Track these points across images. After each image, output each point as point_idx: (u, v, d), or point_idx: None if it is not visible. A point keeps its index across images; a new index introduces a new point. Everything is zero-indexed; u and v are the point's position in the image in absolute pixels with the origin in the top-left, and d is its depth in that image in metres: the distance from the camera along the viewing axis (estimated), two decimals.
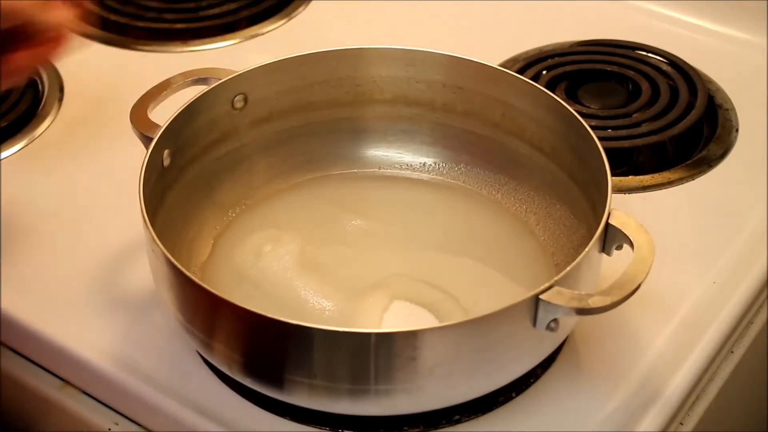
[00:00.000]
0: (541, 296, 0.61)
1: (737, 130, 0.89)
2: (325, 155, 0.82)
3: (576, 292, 0.61)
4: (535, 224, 0.78)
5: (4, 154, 0.87)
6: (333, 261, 0.76)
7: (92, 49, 1.00)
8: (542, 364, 0.70)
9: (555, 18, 1.03)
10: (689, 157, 0.87)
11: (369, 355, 0.61)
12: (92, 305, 0.75)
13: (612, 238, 0.66)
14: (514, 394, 0.69)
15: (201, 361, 0.71)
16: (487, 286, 0.75)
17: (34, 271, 0.77)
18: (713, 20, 1.01)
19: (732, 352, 0.76)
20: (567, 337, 0.71)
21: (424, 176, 0.82)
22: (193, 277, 0.62)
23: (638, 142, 0.87)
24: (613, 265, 0.66)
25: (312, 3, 1.06)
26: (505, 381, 0.66)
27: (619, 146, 0.86)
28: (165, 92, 0.75)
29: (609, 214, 0.66)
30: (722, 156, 0.87)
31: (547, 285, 0.61)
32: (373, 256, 0.77)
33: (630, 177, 0.85)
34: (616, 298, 0.61)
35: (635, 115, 0.90)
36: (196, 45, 1.01)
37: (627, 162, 0.87)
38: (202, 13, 1.04)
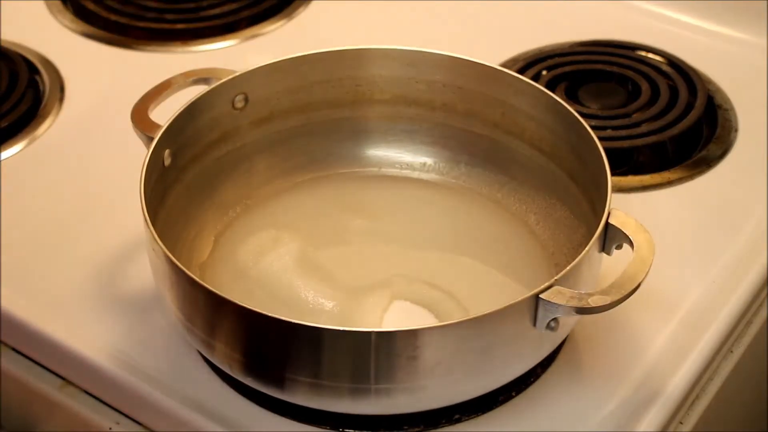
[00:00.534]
0: (541, 295, 0.61)
1: (737, 130, 0.89)
2: (325, 155, 0.82)
3: (576, 291, 0.61)
4: (535, 224, 0.78)
5: (5, 154, 0.87)
6: (333, 261, 0.76)
7: (93, 49, 1.00)
8: (542, 363, 0.70)
9: (555, 18, 1.03)
10: (689, 157, 0.87)
11: (369, 355, 0.61)
12: (93, 304, 0.75)
13: (612, 238, 0.66)
14: (514, 394, 0.69)
15: (202, 360, 0.71)
16: (487, 285, 0.75)
17: (34, 271, 0.78)
18: (713, 20, 1.01)
19: (732, 351, 0.76)
20: (567, 336, 0.71)
21: (424, 176, 0.82)
22: (193, 276, 0.62)
23: (638, 142, 0.87)
24: (614, 265, 0.66)
25: (312, 3, 1.06)
26: (505, 380, 0.66)
27: (619, 146, 0.86)
28: (166, 92, 0.75)
29: (609, 214, 0.66)
30: (722, 156, 0.87)
31: (547, 284, 0.61)
32: (374, 256, 0.77)
33: (630, 177, 0.85)
34: (615, 297, 0.62)
35: (635, 115, 0.91)
36: (196, 45, 1.01)
37: (627, 162, 0.87)
38: (202, 14, 1.04)
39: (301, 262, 0.74)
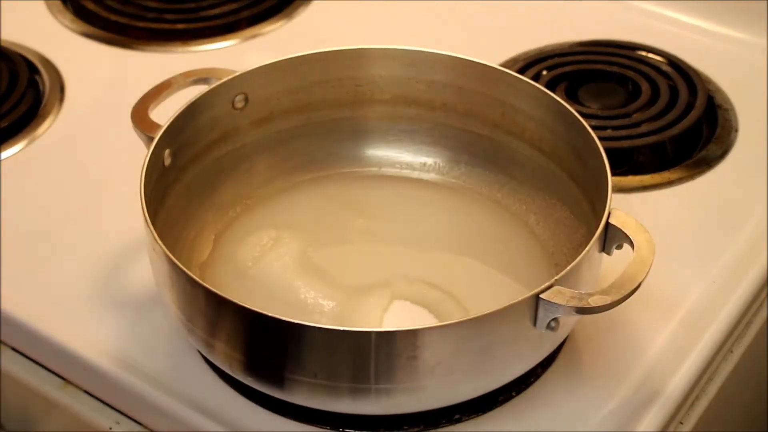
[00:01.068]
0: (541, 295, 0.61)
1: (737, 130, 0.89)
2: (325, 155, 0.82)
3: (576, 291, 0.61)
4: (535, 224, 0.78)
5: (5, 154, 0.87)
6: (333, 260, 0.76)
7: (93, 49, 1.00)
8: (542, 363, 0.70)
9: (555, 18, 1.03)
10: (689, 157, 0.87)
11: (369, 354, 0.61)
12: (93, 304, 0.75)
13: (612, 238, 0.66)
14: (514, 394, 0.69)
15: (202, 360, 0.71)
16: (487, 285, 0.75)
17: (34, 271, 0.78)
18: (713, 20, 1.01)
19: (732, 351, 0.76)
20: (567, 336, 0.71)
21: (424, 176, 0.82)
22: (194, 276, 0.62)
23: (638, 142, 0.87)
24: (614, 265, 0.66)
25: (312, 3, 1.06)
26: (505, 380, 0.66)
27: (619, 146, 0.86)
28: (166, 92, 0.75)
29: (609, 214, 0.66)
30: (722, 156, 0.87)
31: (547, 284, 0.61)
32: (373, 256, 0.77)
33: (630, 177, 0.85)
34: (615, 297, 0.62)
35: (635, 115, 0.91)
36: (196, 45, 1.01)
37: (627, 162, 0.87)
38: (202, 14, 1.04)
39: (301, 262, 0.74)
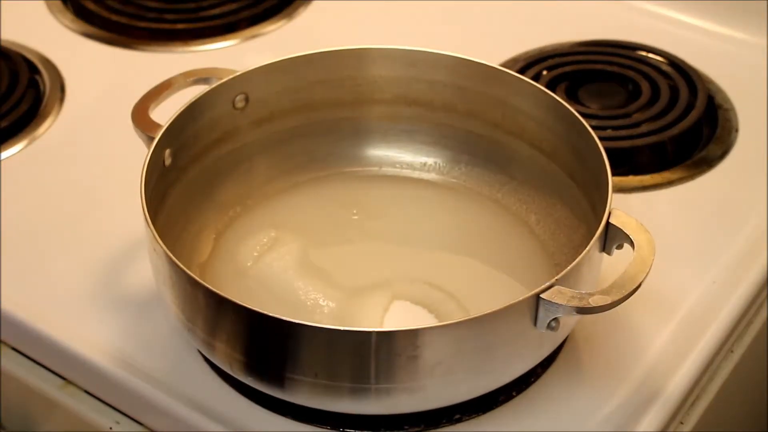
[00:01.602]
0: (541, 295, 0.61)
1: (737, 130, 0.89)
2: (325, 155, 0.82)
3: (576, 291, 0.61)
4: (535, 224, 0.78)
5: (5, 154, 0.87)
6: (334, 260, 0.76)
7: (93, 49, 1.00)
8: (542, 363, 0.70)
9: (555, 18, 1.03)
10: (689, 157, 0.87)
11: (370, 354, 0.61)
12: (93, 304, 0.75)
13: (612, 238, 0.66)
14: (514, 394, 0.69)
15: (202, 360, 0.71)
16: (487, 285, 0.75)
17: (35, 271, 0.78)
18: (713, 20, 1.01)
19: (732, 351, 0.76)
20: (567, 336, 0.71)
21: (425, 176, 0.82)
22: (194, 276, 0.62)
23: (638, 142, 0.87)
24: (614, 265, 0.66)
25: (313, 3, 1.06)
26: (505, 380, 0.66)
27: (619, 146, 0.86)
28: (166, 92, 0.75)
29: (609, 214, 0.66)
30: (722, 156, 0.87)
31: (547, 284, 0.61)
32: (374, 256, 0.77)
33: (630, 177, 0.85)
34: (616, 297, 0.62)
35: (635, 115, 0.91)
36: (196, 45, 1.01)
37: (627, 162, 0.87)
38: (202, 14, 1.04)
39: (301, 262, 0.74)
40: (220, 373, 0.70)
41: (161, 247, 0.64)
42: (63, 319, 0.74)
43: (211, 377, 0.70)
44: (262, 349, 0.64)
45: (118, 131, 0.80)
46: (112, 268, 0.77)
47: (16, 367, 0.76)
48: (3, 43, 0.98)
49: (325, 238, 0.78)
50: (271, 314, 0.60)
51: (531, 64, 0.95)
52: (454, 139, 0.81)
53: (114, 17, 1.04)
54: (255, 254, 0.75)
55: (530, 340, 0.64)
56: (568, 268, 0.63)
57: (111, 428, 0.72)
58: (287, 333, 0.61)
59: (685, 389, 0.70)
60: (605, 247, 0.67)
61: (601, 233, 0.65)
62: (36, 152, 0.88)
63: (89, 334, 0.73)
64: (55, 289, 0.76)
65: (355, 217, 0.80)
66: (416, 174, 0.83)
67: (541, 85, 0.79)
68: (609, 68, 0.95)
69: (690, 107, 0.90)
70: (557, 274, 0.62)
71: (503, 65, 0.93)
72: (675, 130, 0.88)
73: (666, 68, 0.95)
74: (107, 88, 0.95)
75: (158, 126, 0.72)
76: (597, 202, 0.69)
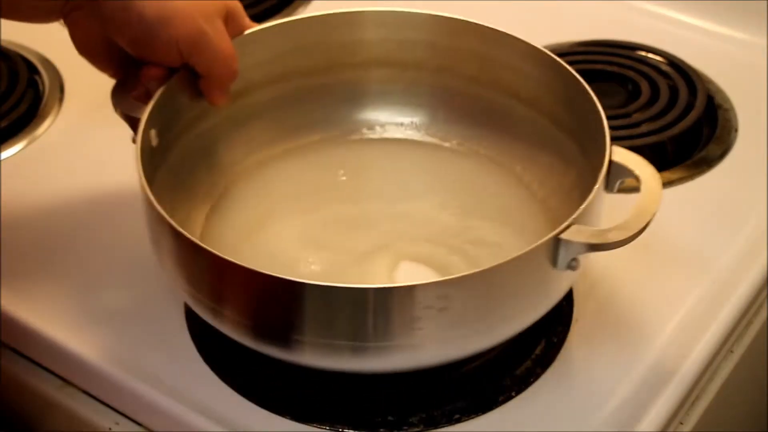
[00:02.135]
0: (561, 236, 0.61)
1: (737, 130, 0.89)
2: (309, 122, 0.81)
3: (594, 228, 0.62)
4: (522, 172, 0.78)
5: (5, 154, 0.87)
6: (330, 227, 0.76)
7: None
8: (542, 363, 0.70)
9: (555, 18, 1.03)
10: (689, 158, 0.87)
11: (404, 309, 0.61)
12: (92, 305, 0.75)
13: (615, 175, 0.67)
14: (514, 394, 0.69)
15: (202, 360, 0.71)
16: (485, 236, 0.75)
17: (34, 271, 0.77)
18: (713, 20, 1.01)
19: (732, 351, 0.76)
20: (567, 336, 0.71)
21: (406, 135, 0.82)
22: (199, 243, 0.62)
23: (638, 142, 0.87)
24: (609, 213, 0.67)
25: (312, 3, 1.06)
26: (528, 323, 0.66)
27: (619, 146, 0.86)
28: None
29: (611, 151, 0.66)
30: (722, 156, 0.87)
31: (566, 224, 0.62)
32: (369, 220, 0.77)
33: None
34: (633, 230, 0.62)
35: (635, 115, 0.91)
36: None
37: None
38: None
39: (298, 233, 0.74)
40: (220, 373, 0.70)
41: (164, 218, 0.63)
42: (63, 319, 0.74)
43: (211, 377, 0.70)
44: (271, 312, 0.63)
45: (117, 131, 0.80)
46: (112, 269, 0.77)
47: (16, 367, 0.76)
48: (3, 43, 0.98)
49: (317, 205, 0.78)
50: (282, 276, 0.60)
51: None
52: (429, 96, 0.81)
53: None
54: (249, 228, 0.74)
55: (551, 281, 0.64)
56: (583, 206, 0.63)
57: (110, 429, 0.72)
58: (301, 295, 0.61)
59: (684, 389, 0.70)
60: (608, 185, 0.67)
61: (605, 171, 0.65)
62: (35, 152, 0.88)
63: (88, 334, 0.73)
64: (55, 289, 0.76)
65: (343, 179, 0.79)
66: (397, 134, 0.82)
67: None
68: (609, 68, 0.95)
69: (690, 107, 0.90)
70: (551, 218, 0.62)
71: None
72: (675, 130, 0.88)
73: (666, 68, 0.95)
74: (106, 88, 0.95)
75: (138, 105, 0.71)
76: (587, 146, 0.69)
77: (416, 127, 0.82)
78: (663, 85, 0.93)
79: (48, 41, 1.00)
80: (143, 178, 0.66)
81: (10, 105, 0.91)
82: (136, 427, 0.72)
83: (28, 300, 0.75)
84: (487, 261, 0.61)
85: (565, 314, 0.73)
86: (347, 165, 0.81)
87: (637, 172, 0.66)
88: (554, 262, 0.62)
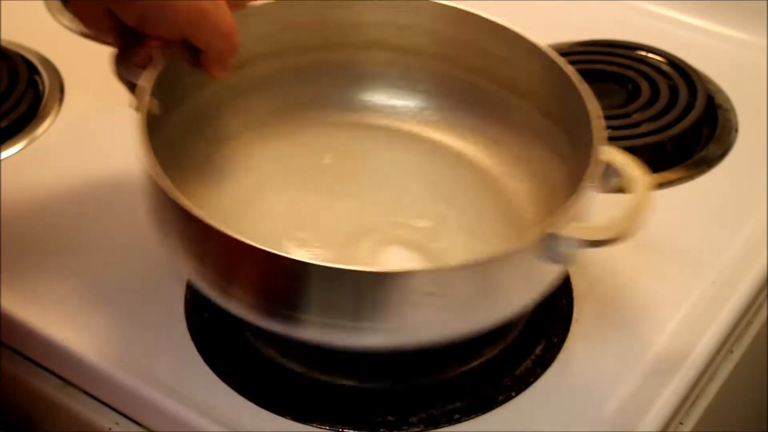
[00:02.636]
0: (550, 230, 0.61)
1: (737, 130, 0.89)
2: (298, 102, 0.81)
3: (585, 224, 0.62)
4: (513, 163, 0.78)
5: (5, 154, 0.87)
6: (315, 210, 0.76)
7: (93, 49, 1.00)
8: (542, 363, 0.70)
9: (555, 18, 1.03)
10: (689, 157, 0.87)
11: (381, 293, 0.61)
12: (93, 305, 0.75)
13: (605, 174, 0.66)
14: (514, 394, 0.69)
15: (202, 360, 0.71)
16: (471, 224, 0.75)
17: (34, 271, 0.77)
18: (713, 20, 1.01)
19: (732, 351, 0.76)
20: (567, 336, 0.71)
21: (397, 119, 0.82)
22: (207, 220, 0.61)
23: (638, 142, 0.87)
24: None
25: None
26: (514, 313, 0.66)
27: (619, 146, 0.86)
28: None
29: (599, 149, 0.66)
30: (722, 156, 0.87)
31: (554, 219, 0.62)
32: (355, 203, 0.77)
33: None
34: (625, 228, 0.62)
35: (635, 115, 0.91)
36: None
37: None
38: None
39: (283, 211, 0.75)
40: (220, 373, 0.70)
41: (171, 194, 0.63)
42: (62, 319, 0.74)
43: (211, 377, 0.70)
44: (277, 290, 0.63)
45: (117, 131, 0.80)
46: (112, 269, 0.77)
47: (15, 367, 0.76)
48: (3, 43, 0.98)
49: (305, 184, 0.78)
50: (288, 255, 0.60)
51: None
52: (425, 83, 0.81)
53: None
54: (237, 202, 0.74)
55: (535, 275, 0.64)
56: (571, 201, 0.63)
57: (110, 429, 0.72)
58: (303, 273, 0.61)
59: (684, 390, 0.70)
60: (601, 183, 0.67)
61: (596, 168, 0.65)
62: (35, 152, 0.88)
63: (88, 334, 0.73)
64: (55, 289, 0.76)
65: (327, 162, 0.79)
66: (391, 117, 0.82)
67: None
68: (609, 68, 0.95)
69: (690, 107, 0.90)
70: (540, 211, 0.62)
71: None
72: (675, 130, 0.88)
73: (666, 68, 0.95)
74: (107, 88, 0.95)
75: (140, 72, 0.71)
76: (579, 142, 0.69)
77: (410, 112, 0.82)
78: (663, 85, 0.93)
79: (48, 41, 1.00)
80: (149, 150, 0.65)
81: (10, 105, 0.91)
82: (136, 427, 0.72)
83: (28, 300, 0.75)
84: (473, 249, 0.61)
85: (565, 314, 0.74)
86: (339, 147, 0.81)
87: (625, 172, 0.65)
88: (541, 256, 0.62)
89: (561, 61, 0.73)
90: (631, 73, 0.94)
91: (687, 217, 0.82)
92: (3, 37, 0.99)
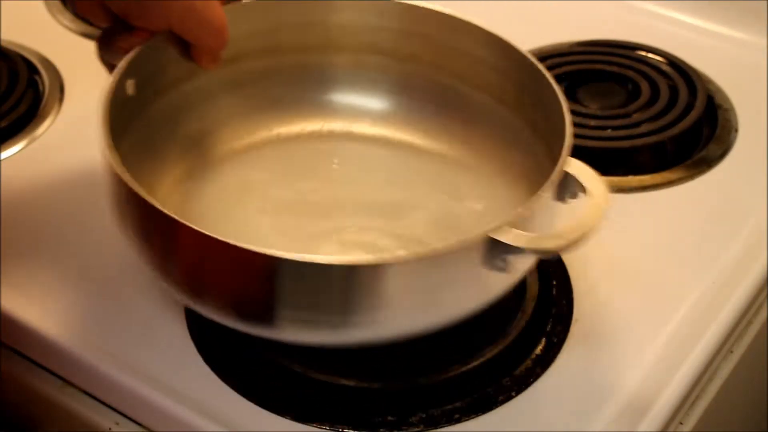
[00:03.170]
0: (490, 234, 0.61)
1: (737, 130, 0.89)
2: (290, 100, 0.81)
3: (527, 233, 0.61)
4: (492, 173, 0.77)
5: (5, 154, 0.87)
6: (285, 210, 0.76)
7: (93, 49, 1.00)
8: (542, 363, 0.70)
9: (555, 18, 1.03)
10: (689, 157, 0.87)
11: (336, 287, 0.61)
12: (93, 305, 0.75)
13: (567, 186, 0.66)
14: (513, 394, 0.69)
15: (202, 360, 0.71)
16: (444, 231, 0.75)
17: (34, 271, 0.78)
18: (713, 20, 1.01)
19: (731, 351, 0.76)
20: (566, 336, 0.71)
21: (373, 125, 0.82)
22: (164, 210, 0.61)
23: (638, 142, 0.87)
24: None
25: None
26: (453, 318, 0.65)
27: (619, 146, 0.86)
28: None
29: (565, 161, 0.65)
30: (722, 156, 0.87)
31: (497, 224, 0.61)
32: (324, 206, 0.77)
33: (629, 177, 0.85)
34: (566, 240, 0.61)
35: (635, 115, 0.91)
36: None
37: (626, 162, 0.87)
38: None
39: (252, 213, 0.75)
40: (220, 373, 0.70)
41: (129, 184, 0.63)
42: (63, 319, 0.74)
43: (211, 377, 0.70)
44: (253, 288, 0.63)
45: None
46: (112, 269, 0.77)
47: (15, 367, 0.76)
48: (3, 43, 0.98)
49: (277, 186, 0.78)
50: (253, 248, 0.59)
51: None
52: (394, 85, 0.81)
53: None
54: (209, 202, 0.75)
55: (479, 279, 0.63)
56: (519, 209, 0.62)
57: (110, 429, 0.72)
58: (282, 270, 0.61)
59: (684, 390, 0.70)
60: (560, 194, 0.66)
61: (555, 179, 0.64)
62: (35, 152, 0.88)
63: (88, 334, 0.73)
64: (55, 289, 0.76)
65: (302, 166, 0.80)
66: (362, 121, 0.82)
67: None
68: (608, 68, 0.95)
69: (689, 107, 0.90)
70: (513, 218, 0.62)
71: None
72: (675, 130, 0.88)
73: (665, 68, 0.95)
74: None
75: (121, 55, 0.71)
76: (551, 139, 0.69)
77: (381, 116, 0.82)
78: (663, 85, 0.93)
79: (48, 41, 1.00)
80: (108, 137, 0.65)
81: (10, 105, 0.91)
82: (136, 427, 0.72)
83: (28, 300, 0.75)
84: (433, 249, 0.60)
85: (565, 314, 0.74)
86: (308, 153, 0.80)
87: (586, 185, 0.64)
88: (483, 261, 0.62)
89: (535, 61, 0.72)
90: (631, 73, 0.94)
91: (687, 217, 0.82)
92: (3, 37, 0.99)
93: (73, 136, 0.90)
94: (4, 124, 0.89)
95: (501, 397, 0.69)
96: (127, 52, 0.72)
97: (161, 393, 0.69)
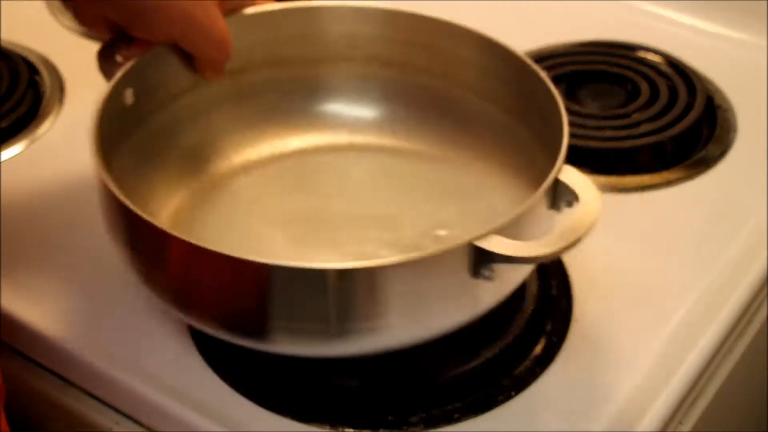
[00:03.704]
0: (475, 242, 0.60)
1: (736, 131, 0.89)
2: (289, 110, 0.81)
3: (512, 241, 0.60)
4: (486, 177, 0.77)
5: (6, 154, 0.87)
6: (284, 220, 0.76)
7: (93, 49, 1.00)
8: (542, 363, 0.70)
9: (555, 18, 1.03)
10: (688, 158, 0.87)
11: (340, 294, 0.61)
12: (93, 305, 0.75)
13: (561, 194, 0.65)
14: (513, 394, 0.69)
15: (202, 360, 0.71)
16: (446, 239, 0.75)
17: (35, 272, 0.78)
18: (713, 20, 1.01)
19: (732, 351, 0.76)
20: (566, 336, 0.71)
21: (371, 134, 0.82)
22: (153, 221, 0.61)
23: (637, 142, 0.87)
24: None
25: None
26: (442, 329, 0.65)
27: (619, 146, 0.86)
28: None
29: (559, 169, 0.65)
30: (721, 156, 0.87)
31: (483, 232, 0.60)
32: (322, 219, 0.77)
33: (629, 177, 0.85)
34: (553, 248, 0.61)
35: (634, 115, 0.91)
36: None
37: (626, 162, 0.87)
38: None
39: (250, 224, 0.75)
40: (220, 373, 0.70)
41: (124, 201, 0.63)
42: (63, 319, 0.74)
43: (211, 377, 0.70)
44: (243, 296, 0.63)
45: None
46: (113, 269, 0.77)
47: (15, 367, 0.76)
48: (3, 43, 0.98)
49: (285, 197, 0.78)
50: (243, 257, 0.59)
51: None
52: (387, 92, 0.81)
53: None
54: (209, 213, 0.75)
55: (465, 288, 0.63)
56: (508, 218, 0.61)
57: (111, 429, 0.72)
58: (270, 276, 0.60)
59: (684, 389, 0.70)
60: (554, 203, 0.66)
61: (547, 187, 0.64)
62: (36, 153, 0.88)
63: (89, 334, 0.73)
64: (56, 289, 0.76)
65: (289, 176, 0.80)
66: (357, 129, 0.82)
67: None
68: (608, 68, 0.95)
69: (689, 107, 0.91)
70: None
71: None
72: (674, 130, 0.88)
73: (665, 68, 0.95)
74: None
75: (121, 66, 0.71)
76: (547, 141, 0.68)
77: (375, 123, 0.82)
78: (662, 85, 0.93)
79: (49, 42, 1.00)
80: (97, 144, 0.66)
81: (10, 105, 0.91)
82: (137, 427, 0.72)
83: (29, 300, 0.75)
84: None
85: (565, 314, 0.74)
86: (310, 164, 0.80)
87: (579, 193, 0.64)
88: (468, 269, 0.61)
89: (532, 64, 0.72)
90: (630, 74, 0.94)
91: (687, 217, 0.82)
92: (3, 37, 1.00)
93: (73, 136, 0.90)
94: (4, 124, 0.89)
95: (500, 397, 0.69)
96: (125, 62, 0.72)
97: (162, 393, 0.69)
